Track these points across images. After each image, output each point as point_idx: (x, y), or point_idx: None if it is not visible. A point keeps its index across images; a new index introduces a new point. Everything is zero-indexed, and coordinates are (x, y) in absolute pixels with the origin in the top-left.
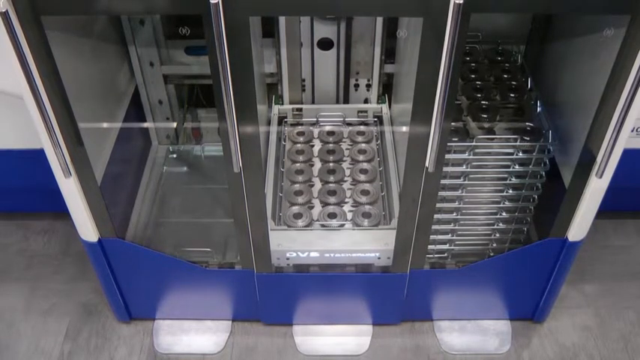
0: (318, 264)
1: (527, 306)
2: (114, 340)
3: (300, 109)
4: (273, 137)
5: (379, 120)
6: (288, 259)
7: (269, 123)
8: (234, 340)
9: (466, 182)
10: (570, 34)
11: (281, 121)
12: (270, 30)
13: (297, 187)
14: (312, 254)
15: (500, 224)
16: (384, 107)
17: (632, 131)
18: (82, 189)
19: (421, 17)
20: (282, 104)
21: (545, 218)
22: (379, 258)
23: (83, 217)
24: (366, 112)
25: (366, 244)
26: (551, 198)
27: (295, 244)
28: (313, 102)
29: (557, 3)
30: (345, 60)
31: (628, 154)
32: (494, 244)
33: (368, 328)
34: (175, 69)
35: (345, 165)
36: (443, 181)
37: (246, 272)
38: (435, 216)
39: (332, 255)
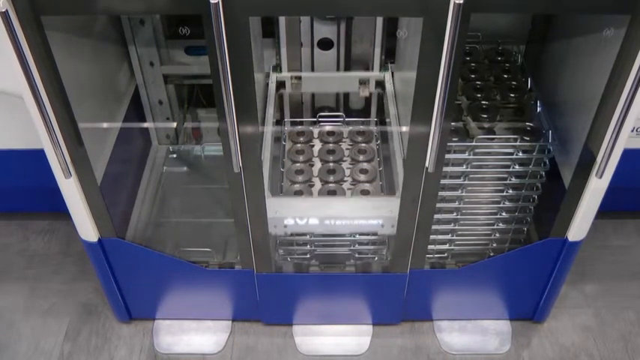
0: (318, 233)
1: (527, 306)
2: (114, 340)
3: (299, 77)
4: (270, 110)
5: (381, 88)
6: (285, 226)
7: (266, 92)
8: (234, 340)
9: (466, 182)
10: (570, 34)
11: (279, 89)
12: (270, 30)
13: (297, 186)
14: (312, 221)
15: (500, 224)
16: (387, 75)
17: (632, 131)
18: (82, 189)
19: (421, 17)
20: (281, 72)
21: (545, 218)
22: (383, 226)
23: (83, 217)
24: (367, 82)
25: (369, 211)
26: (551, 198)
27: (293, 211)
28: (313, 102)
29: (557, 3)
30: (345, 60)
31: (628, 154)
32: (494, 244)
33: (368, 328)
34: (175, 69)
35: (345, 165)
36: (443, 181)
37: (246, 272)
38: (435, 216)
39: (333, 222)
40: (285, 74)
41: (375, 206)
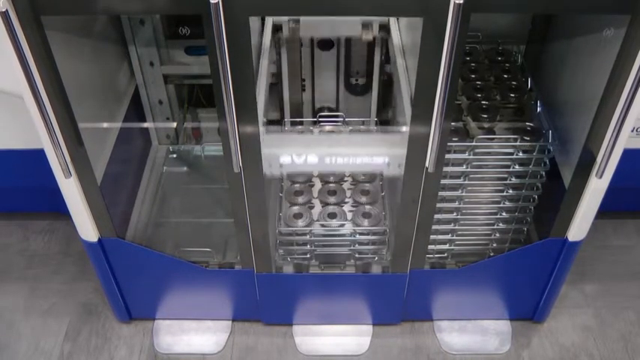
0: (317, 171)
1: (527, 306)
2: (114, 340)
3: (298, 20)
4: (265, 56)
5: (386, 32)
6: (281, 166)
7: (262, 38)
8: (234, 340)
9: (466, 182)
10: (570, 34)
11: (275, 33)
12: None
13: (297, 187)
14: (310, 159)
15: (500, 224)
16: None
17: (632, 131)
18: (82, 189)
19: (421, 17)
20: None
21: (545, 218)
22: (389, 165)
23: (83, 217)
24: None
25: (374, 148)
26: (551, 198)
27: (290, 147)
28: (313, 102)
29: (557, 3)
30: (345, 60)
31: (628, 154)
32: (494, 244)
33: (368, 328)
34: (175, 69)
35: None
36: (443, 181)
37: (246, 272)
38: (435, 216)
39: (333, 160)
40: (284, 17)
41: (381, 142)
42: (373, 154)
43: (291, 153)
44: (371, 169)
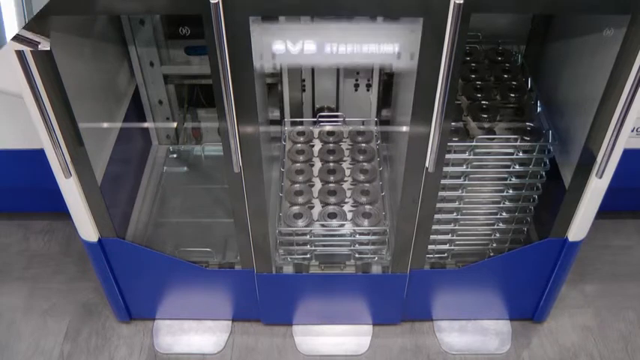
0: (316, 63)
1: (527, 306)
2: (114, 340)
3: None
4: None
5: None
6: (274, 56)
7: None
8: (234, 340)
9: (466, 182)
10: (570, 34)
11: None
12: None
13: (297, 187)
14: (308, 47)
15: (500, 224)
16: None
17: (632, 131)
18: (82, 189)
19: (421, 17)
20: None
21: (545, 218)
22: (399, 56)
23: (83, 217)
24: None
25: (381, 36)
26: (551, 198)
27: (284, 34)
28: (313, 102)
29: (557, 3)
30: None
31: (628, 154)
32: (494, 244)
33: (368, 328)
34: (175, 69)
35: (345, 165)
36: (443, 181)
37: (246, 272)
38: (435, 216)
39: (334, 49)
40: None
41: (390, 31)
42: (382, 41)
43: (285, 40)
44: (379, 60)
